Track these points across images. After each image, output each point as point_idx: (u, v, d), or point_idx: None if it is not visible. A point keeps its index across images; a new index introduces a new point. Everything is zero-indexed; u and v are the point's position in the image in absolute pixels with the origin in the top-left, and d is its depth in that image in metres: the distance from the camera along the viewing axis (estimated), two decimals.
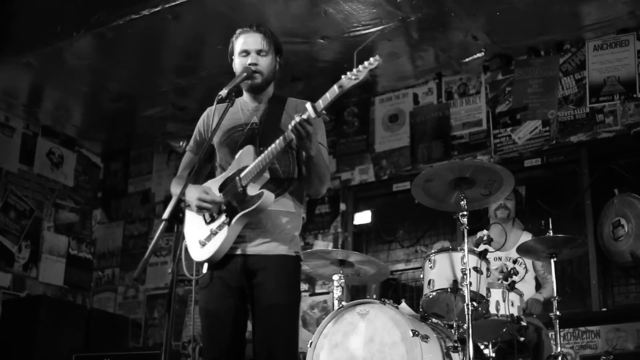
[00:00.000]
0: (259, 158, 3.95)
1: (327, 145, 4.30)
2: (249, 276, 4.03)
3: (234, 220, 3.97)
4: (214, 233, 4.04)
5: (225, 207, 4.03)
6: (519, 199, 6.88)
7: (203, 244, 4.07)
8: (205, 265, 4.11)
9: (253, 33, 4.26)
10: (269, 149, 3.91)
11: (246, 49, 4.23)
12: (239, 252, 4.05)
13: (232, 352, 4.06)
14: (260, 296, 4.01)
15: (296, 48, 7.45)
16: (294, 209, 4.17)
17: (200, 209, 4.04)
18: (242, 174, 3.99)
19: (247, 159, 4.04)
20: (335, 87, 3.69)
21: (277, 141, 3.88)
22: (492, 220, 6.68)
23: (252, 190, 3.95)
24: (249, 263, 4.03)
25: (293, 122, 3.76)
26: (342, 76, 3.67)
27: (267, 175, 3.98)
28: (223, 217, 4.02)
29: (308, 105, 3.76)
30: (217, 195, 4.05)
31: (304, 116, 3.74)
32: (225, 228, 3.99)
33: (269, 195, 3.91)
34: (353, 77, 3.64)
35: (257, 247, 4.04)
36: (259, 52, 4.21)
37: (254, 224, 4.03)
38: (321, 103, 3.75)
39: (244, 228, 4.03)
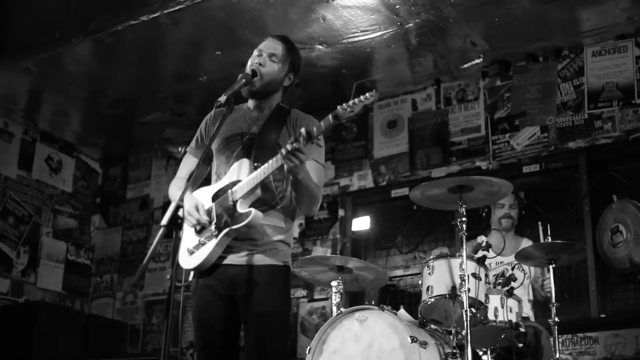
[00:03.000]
0: (252, 175, 3.95)
1: (324, 162, 4.27)
2: (237, 286, 4.03)
3: (221, 234, 3.98)
4: (202, 243, 4.06)
5: (215, 219, 4.03)
6: (521, 205, 6.87)
7: (191, 252, 4.09)
8: (192, 274, 4.13)
9: (275, 39, 4.30)
10: (262, 168, 3.91)
11: (261, 49, 4.26)
12: (227, 262, 4.06)
13: (225, 358, 4.07)
14: (249, 305, 4.01)
15: None
16: (283, 224, 4.16)
17: (187, 220, 4.04)
18: (234, 188, 3.99)
19: (241, 173, 4.04)
20: (330, 117, 3.68)
21: (271, 162, 3.87)
22: (492, 227, 6.69)
23: (242, 206, 3.95)
24: (237, 273, 4.04)
25: (284, 150, 3.74)
26: (339, 106, 3.67)
27: (258, 192, 3.98)
28: (212, 229, 4.03)
29: (303, 131, 3.74)
30: (206, 210, 4.05)
31: (296, 145, 3.71)
32: (213, 240, 4.00)
33: (257, 215, 3.92)
34: (349, 110, 3.64)
35: (245, 257, 4.05)
36: (270, 56, 4.22)
37: (244, 235, 4.03)
38: (315, 131, 3.74)
39: (234, 239, 4.03)
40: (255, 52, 4.28)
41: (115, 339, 9.07)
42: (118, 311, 9.76)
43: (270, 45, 4.28)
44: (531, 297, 6.48)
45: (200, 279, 4.12)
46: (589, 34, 7.42)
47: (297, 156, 3.73)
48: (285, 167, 3.80)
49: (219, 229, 3.99)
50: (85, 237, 10.17)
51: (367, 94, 3.62)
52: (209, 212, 4.06)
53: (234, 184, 4.01)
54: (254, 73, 4.19)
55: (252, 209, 3.91)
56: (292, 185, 4.01)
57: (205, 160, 4.32)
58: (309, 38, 7.39)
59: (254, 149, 4.13)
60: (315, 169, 4.12)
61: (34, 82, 8.50)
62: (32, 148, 9.64)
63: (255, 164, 3.99)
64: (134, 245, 9.94)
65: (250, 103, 4.34)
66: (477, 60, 7.86)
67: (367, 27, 7.26)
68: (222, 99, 3.98)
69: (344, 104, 3.65)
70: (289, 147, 3.72)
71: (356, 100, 3.63)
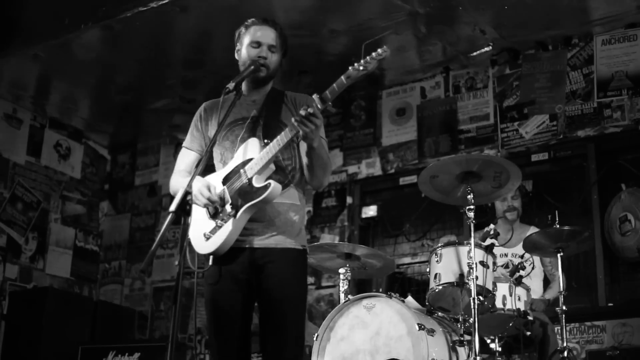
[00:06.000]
0: (265, 150, 3.95)
1: (325, 137, 4.27)
2: (256, 269, 4.03)
3: (240, 212, 3.96)
4: (219, 226, 4.02)
5: (230, 200, 4.03)
6: (523, 192, 6.85)
7: (208, 237, 4.06)
8: (211, 258, 4.11)
9: (268, 27, 4.27)
10: (275, 140, 3.91)
11: (259, 41, 4.23)
12: (246, 245, 4.04)
13: (238, 344, 4.06)
14: (268, 289, 4.01)
15: (304, 41, 7.43)
16: (299, 200, 4.18)
17: (197, 200, 4.03)
18: (247, 166, 3.99)
19: (252, 152, 4.04)
20: (342, 77, 3.70)
21: (283, 133, 3.89)
22: (497, 216, 6.67)
23: (258, 182, 3.94)
24: (257, 256, 4.03)
25: (299, 117, 3.75)
26: (350, 67, 3.68)
27: (272, 167, 3.98)
28: (228, 210, 4.00)
29: (315, 96, 3.76)
30: (217, 194, 4.01)
31: (310, 110, 3.73)
32: (231, 220, 3.97)
33: (276, 186, 3.91)
34: (361, 68, 3.66)
35: (265, 240, 4.04)
36: (270, 47, 4.22)
37: (261, 217, 4.03)
38: (329, 94, 3.75)
39: (251, 221, 4.02)
40: (252, 45, 4.24)
41: (123, 325, 9.10)
42: (126, 297, 9.79)
43: (265, 35, 4.24)
44: (541, 287, 6.47)
45: (218, 264, 4.10)
46: (599, 23, 7.39)
47: (313, 121, 3.74)
48: (302, 135, 3.80)
49: (237, 208, 3.98)
50: (93, 223, 10.20)
51: (379, 50, 3.63)
52: (221, 195, 4.05)
53: (245, 163, 4.01)
54: (264, 65, 4.20)
55: (271, 181, 3.91)
56: (307, 155, 4.00)
57: (202, 152, 4.34)
58: (317, 25, 7.39)
59: (260, 128, 4.14)
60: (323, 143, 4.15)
61: (43, 68, 8.51)
62: (41, 134, 9.66)
63: (265, 141, 3.99)
64: (142, 231, 9.96)
65: (245, 89, 4.31)
66: (486, 48, 7.84)
67: (377, 15, 7.24)
68: (231, 85, 3.99)
69: (355, 64, 3.66)
70: (302, 112, 3.74)
71: (368, 57, 3.63)
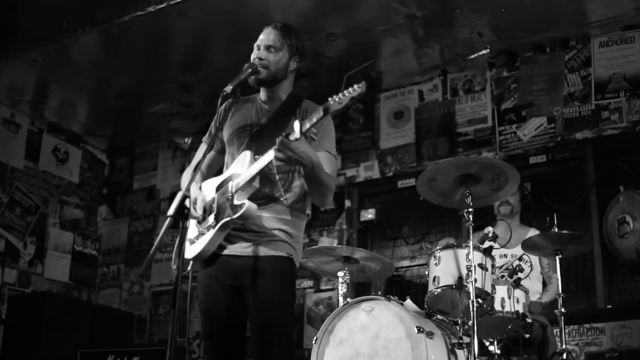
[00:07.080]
0: (250, 169, 3.95)
1: (335, 152, 4.24)
2: (242, 276, 4.03)
3: (218, 225, 4.00)
4: (201, 233, 4.08)
5: (215, 210, 4.05)
6: (523, 193, 6.86)
7: (192, 242, 4.12)
8: (191, 263, 4.15)
9: (270, 30, 4.30)
10: (259, 161, 3.91)
11: (258, 43, 4.27)
12: (232, 252, 4.06)
13: (232, 350, 4.07)
14: (253, 297, 4.00)
15: None
16: (289, 216, 4.13)
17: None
18: (234, 181, 4.00)
19: (243, 165, 4.04)
20: (320, 109, 3.64)
21: (266, 154, 3.85)
22: (497, 217, 6.68)
23: (239, 198, 3.95)
24: (242, 263, 4.03)
25: (277, 143, 3.72)
26: (329, 98, 3.65)
27: (256, 184, 3.97)
28: (211, 220, 4.05)
29: (296, 124, 3.73)
30: (199, 210, 4.09)
31: (288, 137, 3.69)
32: (212, 231, 4.02)
33: (250, 207, 3.91)
34: (337, 102, 3.62)
35: (249, 248, 4.04)
36: (268, 48, 4.23)
37: (246, 226, 4.04)
38: (307, 124, 3.70)
39: (238, 230, 4.04)
40: (255, 48, 4.29)
41: (122, 330, 9.09)
42: (125, 301, 9.79)
43: (265, 38, 4.29)
44: (539, 289, 6.47)
45: (205, 270, 4.13)
46: (597, 25, 7.40)
47: (284, 151, 3.71)
48: (274, 162, 3.79)
49: (217, 220, 4.01)
50: (92, 227, 10.19)
51: (355, 86, 3.60)
52: (211, 203, 4.08)
53: (236, 176, 4.02)
54: (262, 66, 4.20)
55: (246, 201, 3.92)
56: (304, 177, 4.00)
57: (221, 150, 4.36)
58: (315, 29, 7.38)
59: (259, 140, 4.14)
60: (327, 158, 4.11)
61: (41, 73, 8.51)
62: (39, 139, 9.66)
63: (256, 157, 3.98)
64: (140, 236, 9.96)
65: (262, 94, 4.34)
66: (484, 51, 7.84)
67: (374, 18, 7.25)
68: (229, 89, 3.98)
69: (334, 96, 3.64)
70: (278, 139, 3.71)
71: (345, 92, 3.61)
